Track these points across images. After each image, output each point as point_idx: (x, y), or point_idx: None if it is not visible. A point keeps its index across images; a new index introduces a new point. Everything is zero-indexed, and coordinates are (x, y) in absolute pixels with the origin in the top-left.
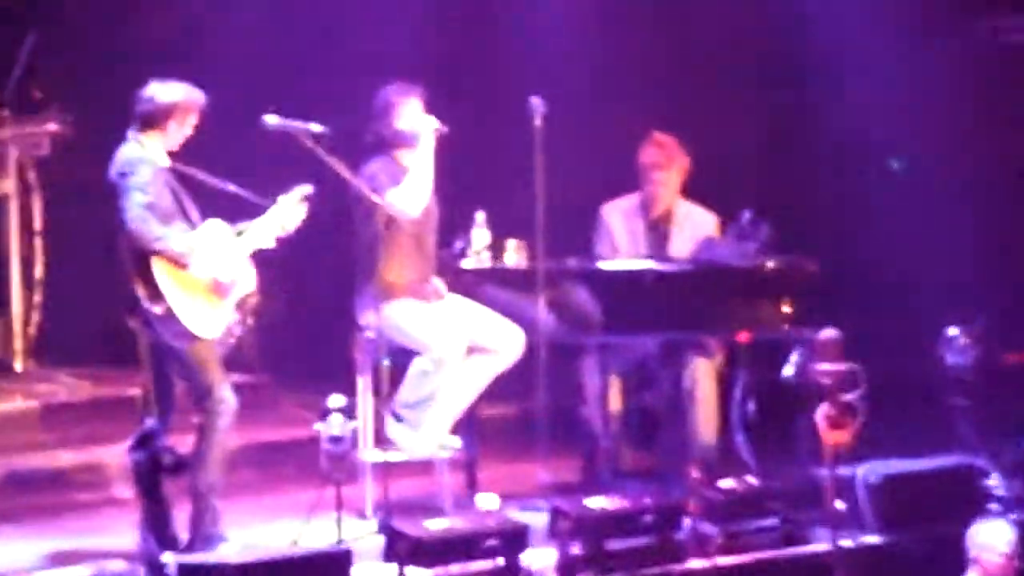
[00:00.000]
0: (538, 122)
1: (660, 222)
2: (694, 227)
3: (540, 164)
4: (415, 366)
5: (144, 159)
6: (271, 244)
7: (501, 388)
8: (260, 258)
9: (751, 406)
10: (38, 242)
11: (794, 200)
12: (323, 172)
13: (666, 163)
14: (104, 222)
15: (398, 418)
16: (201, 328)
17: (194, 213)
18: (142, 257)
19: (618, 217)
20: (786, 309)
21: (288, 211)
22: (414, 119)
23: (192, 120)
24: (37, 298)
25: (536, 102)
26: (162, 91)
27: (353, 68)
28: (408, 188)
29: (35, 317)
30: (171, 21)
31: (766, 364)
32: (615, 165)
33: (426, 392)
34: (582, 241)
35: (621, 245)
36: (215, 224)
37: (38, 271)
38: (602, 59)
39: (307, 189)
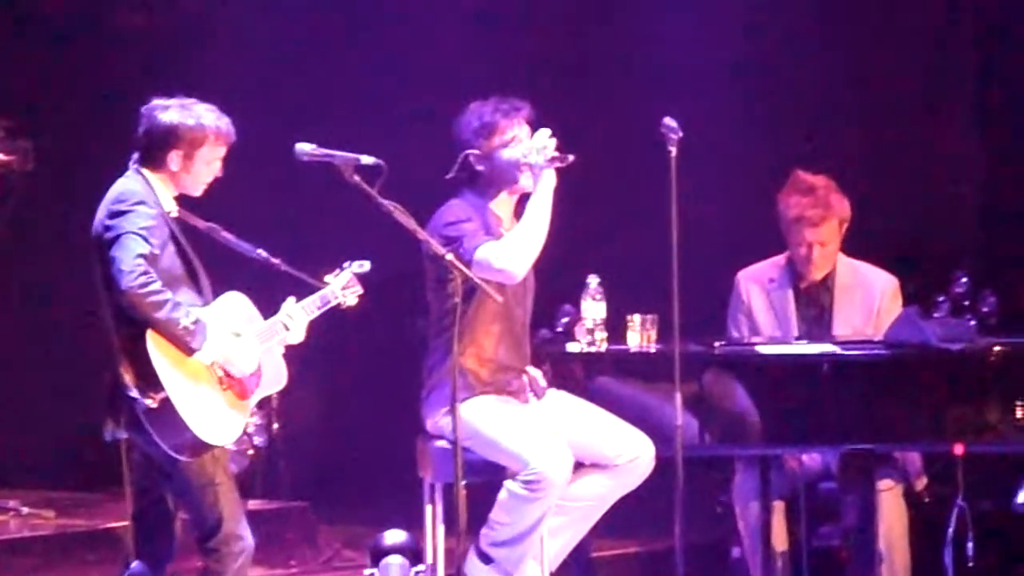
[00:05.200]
0: (673, 151)
1: (817, 291)
2: (866, 295)
3: (675, 209)
4: (506, 489)
5: (147, 199)
6: (301, 338)
7: (623, 518)
8: (290, 344)
9: (970, 547)
10: None
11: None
12: (380, 223)
13: (820, 215)
14: (74, 286)
15: (485, 559)
16: (210, 433)
17: (205, 282)
18: (134, 330)
19: (758, 289)
20: (1020, 412)
21: (337, 296)
22: (524, 148)
23: (213, 157)
24: None
25: (670, 124)
26: (160, 112)
27: (420, 87)
28: (514, 242)
29: None
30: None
31: (991, 489)
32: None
33: (523, 524)
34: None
35: (764, 325)
36: (235, 299)
37: None
38: (752, 77)
39: (363, 266)
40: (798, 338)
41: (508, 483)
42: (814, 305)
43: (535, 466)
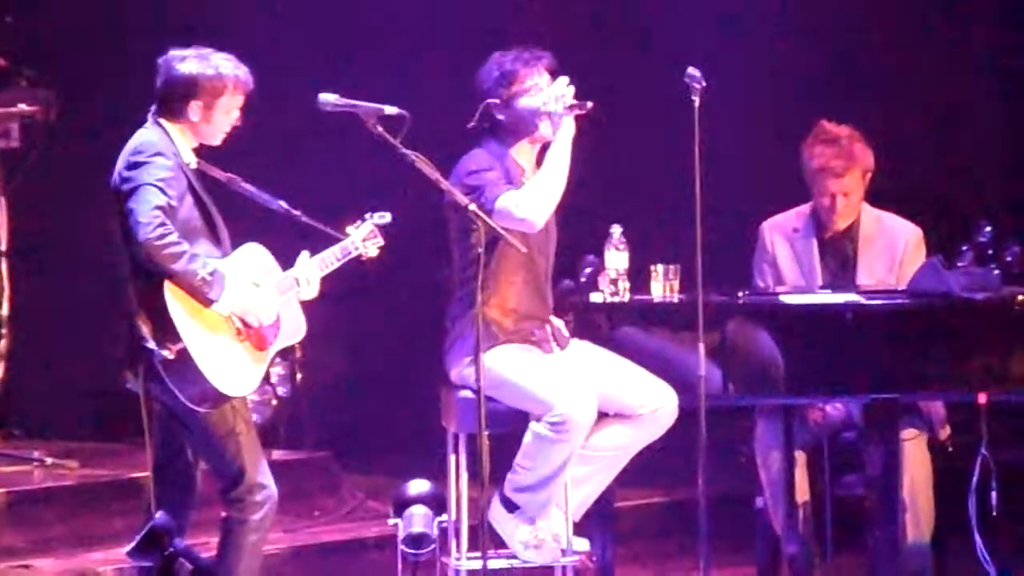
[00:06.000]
0: (696, 101)
1: (840, 241)
2: (890, 245)
3: (699, 159)
4: (531, 432)
5: (164, 150)
6: (314, 294)
7: (646, 468)
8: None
9: (993, 496)
10: (3, 267)
11: None
12: (403, 174)
13: (844, 166)
14: (97, 238)
15: (509, 506)
16: (228, 383)
17: (224, 233)
18: (152, 281)
19: (782, 239)
20: None
21: (357, 247)
22: (544, 96)
23: (232, 106)
24: (2, 346)
25: (694, 74)
26: (178, 62)
27: (443, 38)
28: (533, 190)
29: None
30: None
31: (1014, 438)
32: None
33: (547, 468)
34: (752, 267)
35: (788, 274)
36: (254, 250)
37: (3, 308)
38: (776, 27)
39: (384, 217)
40: (822, 287)
41: (533, 425)
42: (838, 255)
43: (560, 408)
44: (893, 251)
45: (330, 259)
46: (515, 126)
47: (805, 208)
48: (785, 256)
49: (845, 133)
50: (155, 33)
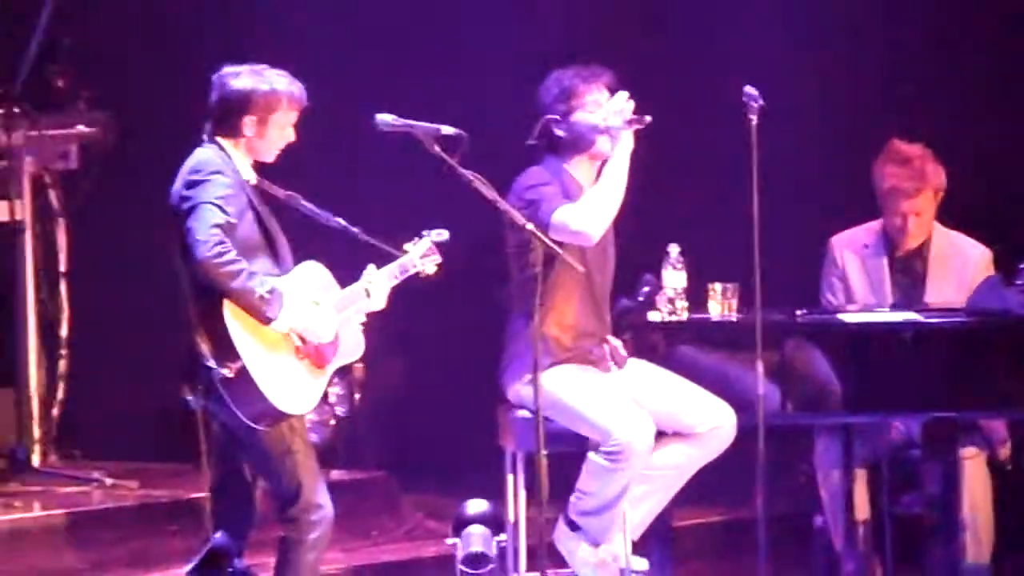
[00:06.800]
0: (754, 120)
1: (911, 260)
2: (960, 265)
3: (756, 178)
4: (590, 460)
5: (223, 168)
6: (382, 305)
7: (704, 487)
8: (371, 314)
9: None
10: (63, 288)
11: None
12: (461, 192)
13: (916, 187)
14: (155, 259)
15: (574, 527)
16: (286, 402)
17: (285, 250)
18: (211, 300)
19: (852, 255)
20: None
21: (415, 264)
22: (604, 112)
23: (286, 122)
24: (62, 366)
25: (752, 93)
26: (232, 78)
27: (502, 57)
28: (590, 203)
29: (59, 393)
30: None
31: None
32: (855, 182)
33: (608, 494)
34: (810, 285)
35: (858, 291)
36: (312, 268)
37: (63, 329)
38: (833, 43)
39: (441, 235)
40: (893, 306)
41: (591, 455)
42: (909, 273)
43: (617, 437)
44: (964, 272)
45: (390, 276)
46: (574, 142)
47: (875, 225)
48: (855, 272)
49: (917, 153)
50: (213, 53)
